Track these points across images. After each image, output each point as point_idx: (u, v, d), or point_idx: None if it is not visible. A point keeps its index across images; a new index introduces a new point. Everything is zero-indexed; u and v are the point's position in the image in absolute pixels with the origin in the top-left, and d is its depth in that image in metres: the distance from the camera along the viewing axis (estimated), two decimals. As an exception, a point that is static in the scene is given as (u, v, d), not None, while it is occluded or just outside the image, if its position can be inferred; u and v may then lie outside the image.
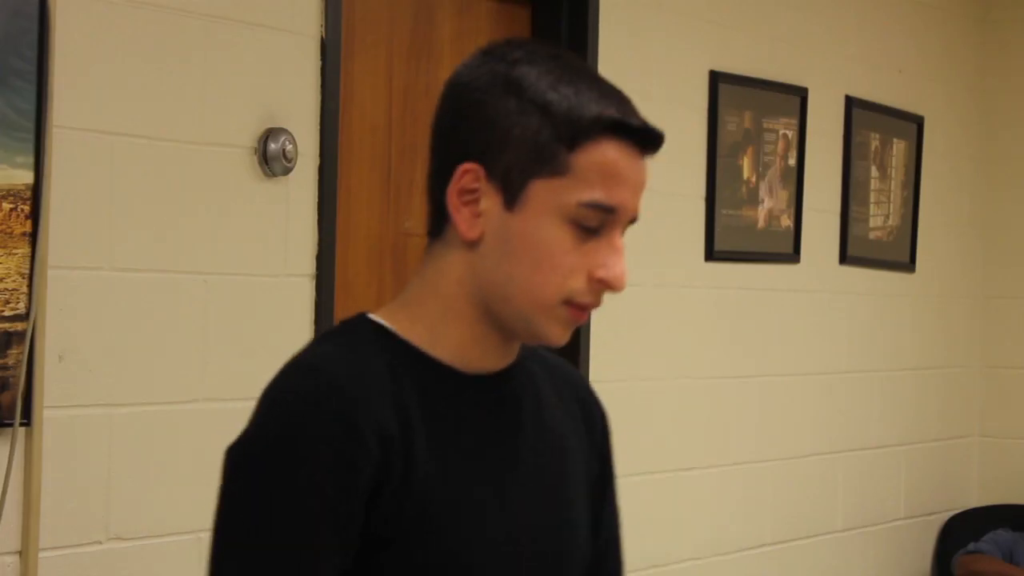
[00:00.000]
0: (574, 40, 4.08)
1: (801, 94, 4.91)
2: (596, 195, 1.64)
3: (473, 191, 1.62)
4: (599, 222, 1.65)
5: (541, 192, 1.62)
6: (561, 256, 1.62)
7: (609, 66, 4.15)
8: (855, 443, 5.20)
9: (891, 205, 5.45)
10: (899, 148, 5.47)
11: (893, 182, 5.45)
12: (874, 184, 5.35)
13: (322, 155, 3.37)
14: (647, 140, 1.67)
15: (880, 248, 5.36)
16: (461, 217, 1.63)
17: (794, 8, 4.93)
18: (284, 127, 3.28)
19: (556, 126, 1.62)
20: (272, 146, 3.25)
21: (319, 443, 1.56)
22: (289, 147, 3.27)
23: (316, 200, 3.36)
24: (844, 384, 5.12)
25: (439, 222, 1.66)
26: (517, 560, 1.66)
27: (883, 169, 5.39)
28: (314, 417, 1.59)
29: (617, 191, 1.66)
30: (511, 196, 1.62)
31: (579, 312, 1.64)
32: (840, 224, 5.18)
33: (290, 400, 1.64)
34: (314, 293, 3.36)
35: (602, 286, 1.65)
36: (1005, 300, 5.88)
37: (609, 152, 1.64)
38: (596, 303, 1.66)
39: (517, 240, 1.62)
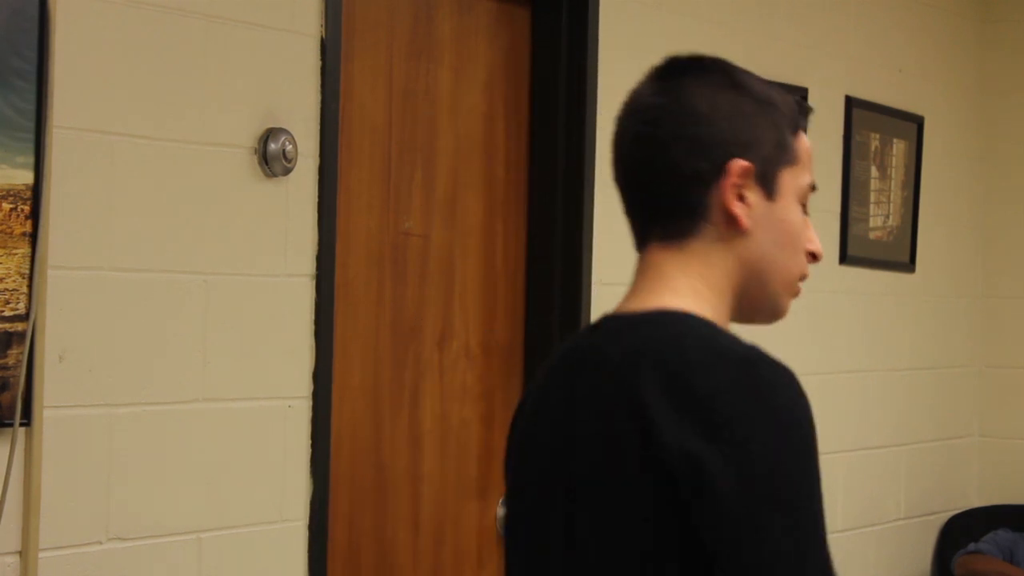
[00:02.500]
0: (574, 40, 4.08)
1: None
2: (811, 177, 1.88)
3: (741, 186, 1.81)
4: (807, 201, 1.89)
5: (786, 180, 1.84)
6: (803, 235, 1.87)
7: (609, 66, 4.15)
8: (855, 443, 5.20)
9: (891, 205, 5.45)
10: (899, 148, 5.47)
11: (893, 182, 5.45)
12: (874, 184, 5.35)
13: (322, 155, 3.37)
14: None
15: (880, 248, 5.36)
16: (740, 211, 1.81)
17: (794, 8, 4.93)
18: (284, 127, 3.28)
19: (786, 119, 1.85)
20: (272, 146, 3.25)
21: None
22: (289, 147, 3.27)
23: (316, 200, 3.36)
24: (844, 384, 5.12)
25: (690, 223, 1.82)
26: None
27: (883, 169, 5.39)
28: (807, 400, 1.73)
29: (812, 172, 1.90)
30: (770, 187, 1.83)
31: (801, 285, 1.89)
32: (840, 224, 5.18)
33: (796, 383, 1.72)
34: (314, 293, 3.36)
35: (812, 259, 1.89)
36: (1005, 300, 5.88)
37: (805, 138, 1.88)
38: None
39: (779, 226, 1.84)
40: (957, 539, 5.46)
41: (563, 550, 1.77)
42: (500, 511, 4.01)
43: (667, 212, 1.83)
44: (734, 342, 1.74)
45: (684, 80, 1.88)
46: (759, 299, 1.86)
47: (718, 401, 1.67)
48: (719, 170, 1.80)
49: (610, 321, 1.83)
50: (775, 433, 1.66)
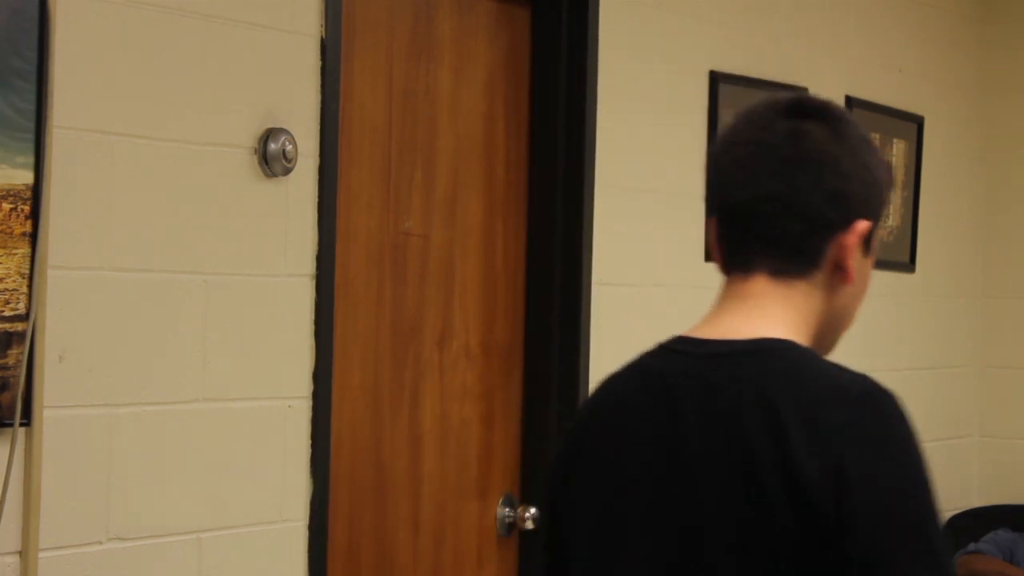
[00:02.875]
0: (574, 40, 4.08)
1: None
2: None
3: (857, 244, 1.90)
4: None
5: (874, 237, 1.94)
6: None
7: (609, 66, 4.15)
8: (855, 443, 5.19)
9: (891, 205, 5.45)
10: (899, 148, 5.47)
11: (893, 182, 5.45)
12: (874, 184, 5.34)
13: (322, 155, 3.37)
14: None
15: (880, 248, 5.36)
16: (853, 265, 1.89)
17: (794, 8, 4.93)
18: (284, 127, 3.28)
19: (889, 183, 1.99)
20: (272, 146, 3.25)
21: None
22: (289, 147, 3.27)
23: (316, 200, 3.36)
24: (844, 384, 5.11)
25: (805, 266, 1.89)
26: None
27: (883, 169, 5.38)
28: None
29: None
30: (869, 244, 1.92)
31: None
32: (840, 224, 5.17)
33: (906, 411, 1.83)
34: (314, 293, 3.36)
35: None
36: (1005, 300, 5.88)
37: None
38: None
39: (865, 280, 1.94)
40: (957, 539, 5.46)
41: (683, 568, 1.80)
42: (500, 511, 4.01)
43: (786, 251, 1.88)
44: (848, 372, 1.85)
45: (825, 129, 1.89)
46: (827, 340, 1.98)
47: (847, 434, 1.74)
48: (847, 225, 1.88)
49: (698, 345, 1.89)
50: (902, 466, 1.75)
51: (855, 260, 1.89)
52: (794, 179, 1.86)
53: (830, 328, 1.95)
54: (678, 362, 1.89)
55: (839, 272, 1.89)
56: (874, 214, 1.91)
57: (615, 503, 1.87)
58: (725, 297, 1.93)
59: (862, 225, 1.88)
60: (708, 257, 4.57)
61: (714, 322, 1.92)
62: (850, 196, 1.88)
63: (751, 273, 1.89)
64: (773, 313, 1.88)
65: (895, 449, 1.75)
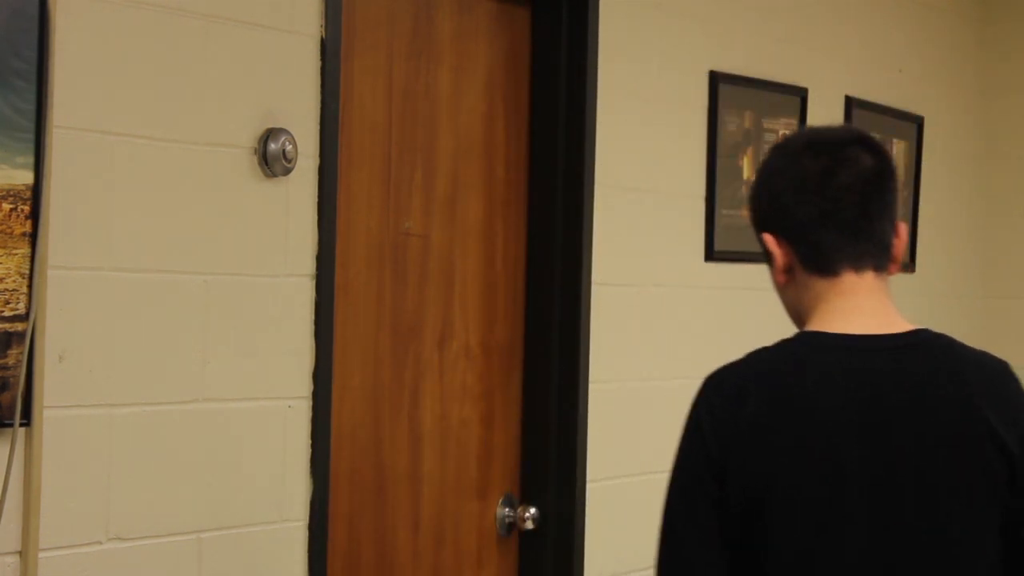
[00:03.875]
0: (574, 40, 4.08)
1: (801, 94, 4.91)
2: None
3: None
4: None
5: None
6: None
7: (609, 66, 4.15)
8: (855, 443, 5.19)
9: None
10: (899, 148, 5.47)
11: (893, 182, 5.45)
12: (874, 184, 5.34)
13: (322, 155, 3.37)
14: None
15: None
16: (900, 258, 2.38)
17: (794, 8, 4.94)
18: (284, 127, 3.28)
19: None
20: (272, 146, 3.25)
21: None
22: (289, 147, 3.27)
23: (316, 200, 3.36)
24: (844, 384, 5.11)
25: (887, 261, 2.36)
26: None
27: (883, 169, 5.39)
28: None
29: None
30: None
31: None
32: (840, 224, 5.17)
33: None
34: (314, 293, 3.36)
35: None
36: (1005, 300, 5.88)
37: None
38: None
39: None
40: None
41: (914, 528, 2.22)
42: (500, 511, 4.02)
43: (885, 249, 2.36)
44: (986, 352, 2.37)
45: (887, 153, 2.45)
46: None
47: (1015, 404, 2.28)
48: (896, 226, 2.40)
49: (861, 342, 2.30)
50: None
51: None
52: (887, 194, 2.45)
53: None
54: (856, 357, 2.28)
55: (894, 265, 2.40)
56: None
57: (834, 488, 2.22)
58: (848, 291, 2.34)
59: (905, 227, 2.41)
60: (708, 257, 4.57)
61: (859, 314, 2.33)
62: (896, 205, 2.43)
63: (862, 270, 2.36)
64: (892, 305, 2.38)
65: None
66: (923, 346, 2.30)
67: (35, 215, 2.81)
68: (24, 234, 2.81)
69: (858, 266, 2.33)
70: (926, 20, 5.64)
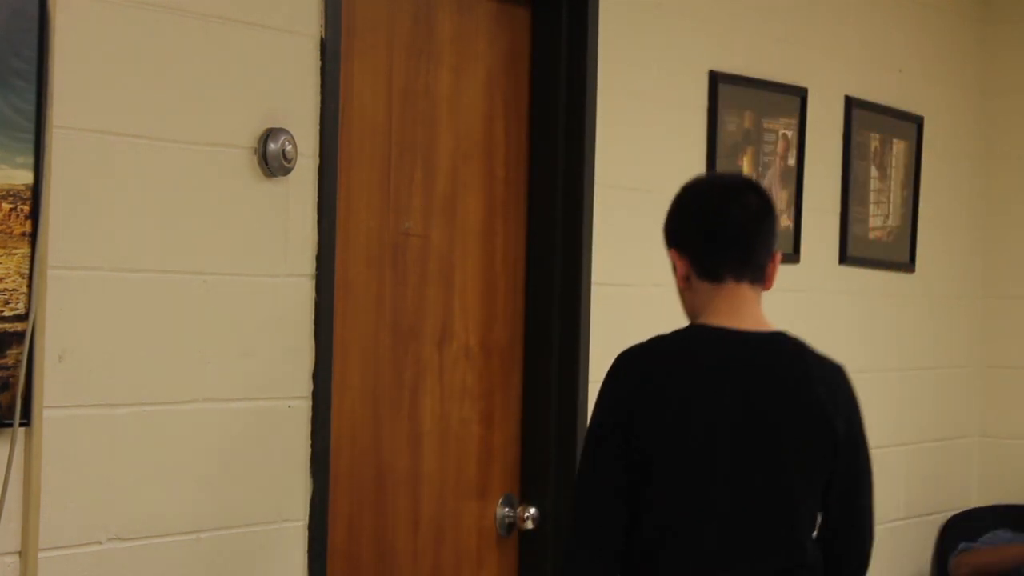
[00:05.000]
0: (574, 40, 4.08)
1: (801, 94, 4.91)
2: None
3: None
4: None
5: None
6: None
7: (609, 66, 4.15)
8: (855, 443, 5.19)
9: (891, 205, 5.45)
10: (899, 148, 5.47)
11: (893, 182, 5.45)
12: (874, 184, 5.35)
13: (322, 155, 3.37)
14: None
15: (880, 248, 5.36)
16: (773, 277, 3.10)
17: (794, 8, 4.94)
18: (284, 127, 3.28)
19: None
20: (272, 146, 3.25)
21: None
22: (289, 147, 3.27)
23: (316, 200, 3.36)
24: (844, 384, 5.11)
25: (762, 278, 3.04)
26: None
27: (883, 169, 5.39)
28: None
29: None
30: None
31: None
32: (840, 224, 5.18)
33: None
34: (314, 293, 3.36)
35: None
36: (1005, 300, 5.88)
37: None
38: None
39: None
40: (957, 539, 5.46)
41: (765, 478, 2.92)
42: (500, 511, 4.02)
43: (760, 269, 3.02)
44: (826, 356, 3.09)
45: (770, 198, 3.06)
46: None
47: (843, 394, 3.03)
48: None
49: (735, 334, 2.98)
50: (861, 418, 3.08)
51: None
52: (771, 226, 3.10)
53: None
54: (731, 346, 2.97)
55: (770, 282, 3.06)
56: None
57: (707, 440, 2.90)
58: (725, 296, 3.02)
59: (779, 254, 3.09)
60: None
61: (730, 314, 3.00)
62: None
63: (740, 280, 3.01)
64: (760, 309, 3.05)
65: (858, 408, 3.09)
66: (780, 342, 3.01)
67: (35, 215, 2.82)
68: (24, 234, 2.81)
69: (738, 277, 2.99)
70: (926, 20, 5.64)
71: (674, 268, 3.05)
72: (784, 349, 3.01)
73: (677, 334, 3.01)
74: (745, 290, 3.00)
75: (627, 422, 2.91)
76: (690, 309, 3.06)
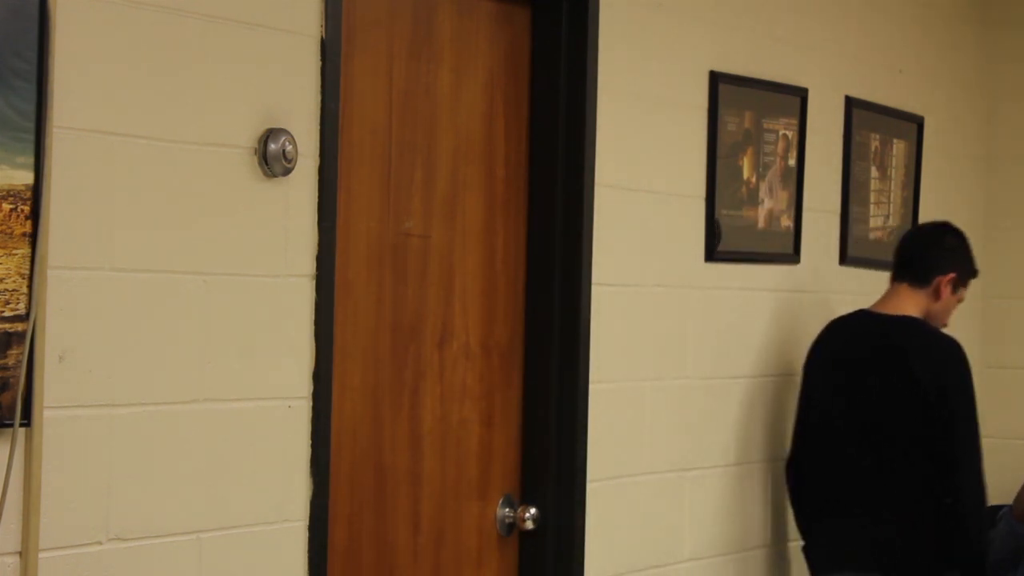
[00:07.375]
0: (574, 40, 4.09)
1: (801, 94, 4.91)
2: None
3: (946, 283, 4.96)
4: None
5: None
6: None
7: (609, 66, 4.15)
8: (855, 443, 5.19)
9: (891, 205, 5.46)
10: (899, 148, 5.47)
11: (893, 182, 5.45)
12: (874, 184, 5.35)
13: (322, 155, 3.37)
14: None
15: (880, 248, 5.36)
16: (946, 291, 4.82)
17: (794, 8, 4.94)
18: (284, 127, 3.28)
19: None
20: (272, 146, 3.25)
21: None
22: (289, 147, 3.27)
23: (316, 200, 3.36)
24: (844, 384, 5.11)
25: (926, 282, 4.81)
26: None
27: (883, 169, 5.39)
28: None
29: None
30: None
31: None
32: (840, 224, 5.18)
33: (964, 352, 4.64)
34: (314, 293, 3.36)
35: None
36: (1005, 300, 5.88)
37: None
38: None
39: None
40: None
41: (868, 433, 4.57)
42: (500, 511, 4.01)
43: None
44: (942, 333, 4.61)
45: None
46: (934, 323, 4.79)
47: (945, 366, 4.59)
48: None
49: (870, 315, 4.67)
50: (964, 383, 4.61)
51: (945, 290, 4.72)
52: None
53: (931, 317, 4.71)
54: (866, 322, 4.65)
55: (937, 294, 4.61)
56: None
57: (835, 390, 4.61)
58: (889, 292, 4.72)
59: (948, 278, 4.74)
60: (708, 257, 4.57)
61: (882, 303, 4.66)
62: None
63: (900, 282, 4.70)
64: (910, 303, 4.64)
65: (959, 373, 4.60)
66: (904, 323, 4.57)
67: (35, 215, 2.81)
68: (24, 234, 2.81)
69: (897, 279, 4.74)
70: (926, 20, 5.64)
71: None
72: (901, 326, 4.72)
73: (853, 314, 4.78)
74: (902, 288, 4.77)
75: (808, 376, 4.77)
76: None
